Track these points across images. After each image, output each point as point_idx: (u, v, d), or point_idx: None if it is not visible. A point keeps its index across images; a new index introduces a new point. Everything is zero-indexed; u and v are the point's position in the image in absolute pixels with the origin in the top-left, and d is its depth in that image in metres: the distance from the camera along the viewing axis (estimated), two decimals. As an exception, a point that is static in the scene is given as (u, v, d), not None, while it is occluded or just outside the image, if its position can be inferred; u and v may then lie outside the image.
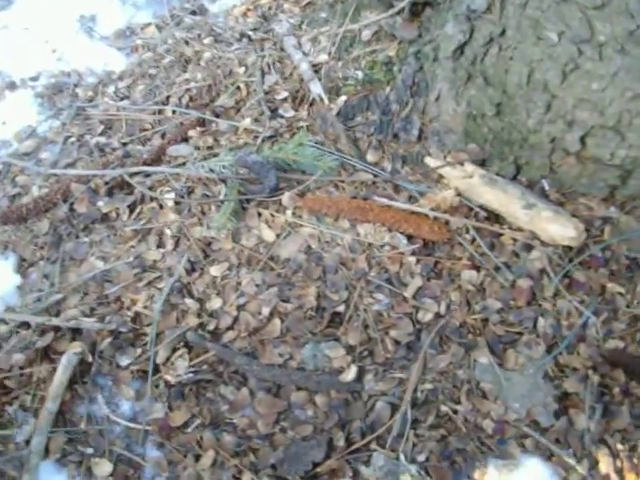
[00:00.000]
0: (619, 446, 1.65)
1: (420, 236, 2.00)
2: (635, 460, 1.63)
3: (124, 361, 1.83)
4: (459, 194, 2.07)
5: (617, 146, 1.88)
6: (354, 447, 1.68)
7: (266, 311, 1.88)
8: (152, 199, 2.17)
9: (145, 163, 2.27)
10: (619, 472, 1.62)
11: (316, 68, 2.53)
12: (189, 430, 1.73)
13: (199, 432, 1.72)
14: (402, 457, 1.64)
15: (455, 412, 1.73)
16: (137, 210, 2.16)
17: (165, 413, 1.74)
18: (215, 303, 1.91)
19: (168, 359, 1.82)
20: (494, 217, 2.05)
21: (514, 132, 2.05)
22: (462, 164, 2.10)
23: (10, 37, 2.94)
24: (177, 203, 2.15)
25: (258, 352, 1.83)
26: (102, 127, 2.51)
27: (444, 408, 1.73)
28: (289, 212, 2.08)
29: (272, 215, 2.08)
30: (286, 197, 2.09)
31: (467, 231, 2.02)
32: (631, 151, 1.88)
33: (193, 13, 3.02)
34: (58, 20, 2.98)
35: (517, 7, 1.89)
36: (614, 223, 1.99)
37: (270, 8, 2.94)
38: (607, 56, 1.75)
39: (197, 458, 1.68)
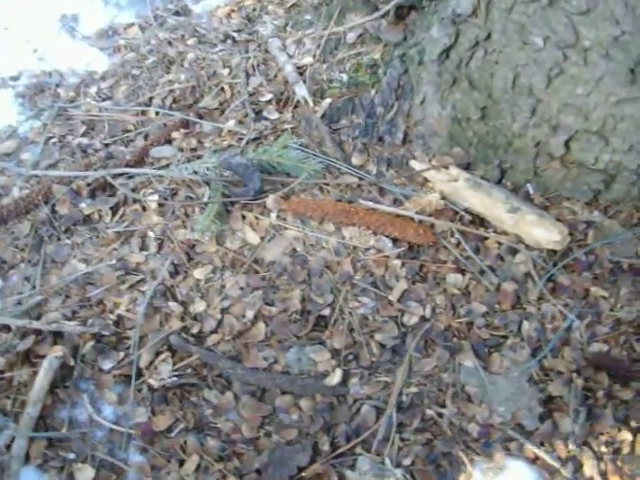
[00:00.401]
0: (603, 449, 1.66)
1: (405, 239, 2.00)
2: (619, 463, 1.64)
3: (106, 365, 1.81)
4: (444, 197, 2.07)
5: (601, 151, 1.90)
6: (339, 451, 1.67)
7: (250, 314, 1.86)
8: (135, 201, 2.15)
9: (128, 165, 2.25)
10: (603, 475, 1.63)
11: (301, 70, 2.52)
12: (173, 435, 1.71)
13: (183, 436, 1.70)
14: (387, 461, 1.64)
15: (440, 416, 1.73)
16: (120, 212, 2.13)
17: (148, 417, 1.72)
18: (199, 306, 1.90)
19: (151, 363, 1.81)
20: (479, 221, 2.05)
21: (499, 136, 2.06)
22: (447, 167, 2.10)
23: (-10, 36, 2.90)
24: (160, 205, 2.12)
25: (242, 356, 1.82)
26: (84, 128, 2.48)
27: (429, 412, 1.73)
28: (273, 215, 2.07)
29: (256, 218, 2.07)
30: (270, 200, 2.08)
31: (452, 234, 2.02)
32: (615, 156, 1.89)
33: (176, 14, 3.00)
34: (39, 19, 2.95)
35: (503, 11, 1.89)
36: (598, 227, 2.00)
37: (254, 9, 2.93)
38: (592, 61, 1.76)
39: (181, 463, 1.66)
